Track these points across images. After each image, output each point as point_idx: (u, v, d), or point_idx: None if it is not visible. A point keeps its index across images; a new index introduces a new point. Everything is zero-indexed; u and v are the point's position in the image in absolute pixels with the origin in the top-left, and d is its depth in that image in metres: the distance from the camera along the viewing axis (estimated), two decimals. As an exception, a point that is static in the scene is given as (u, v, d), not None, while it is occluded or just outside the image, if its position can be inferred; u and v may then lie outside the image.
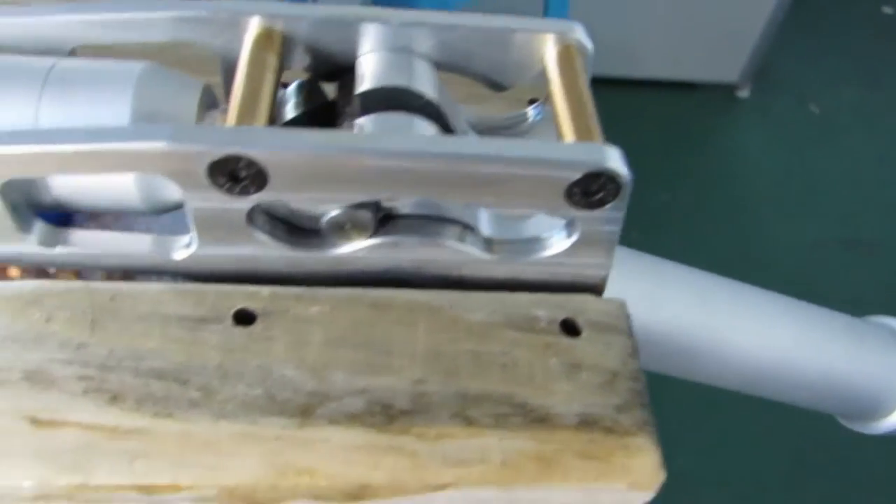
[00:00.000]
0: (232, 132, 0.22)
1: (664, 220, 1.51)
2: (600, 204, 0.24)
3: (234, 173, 0.22)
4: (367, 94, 0.26)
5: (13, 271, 0.62)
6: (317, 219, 0.25)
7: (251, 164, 0.22)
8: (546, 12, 1.16)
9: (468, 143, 0.24)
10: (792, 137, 1.77)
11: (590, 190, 0.24)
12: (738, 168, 1.67)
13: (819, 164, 1.70)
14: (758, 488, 1.19)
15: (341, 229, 0.24)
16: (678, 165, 1.58)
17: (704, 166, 1.61)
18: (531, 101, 0.33)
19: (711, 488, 1.15)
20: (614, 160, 0.23)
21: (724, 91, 1.80)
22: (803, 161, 1.71)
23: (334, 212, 0.24)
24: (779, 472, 1.19)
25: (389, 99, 0.25)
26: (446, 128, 0.26)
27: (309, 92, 0.27)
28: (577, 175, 0.23)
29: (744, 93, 1.82)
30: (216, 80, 0.28)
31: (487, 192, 0.24)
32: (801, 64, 1.91)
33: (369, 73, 0.26)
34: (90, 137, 0.22)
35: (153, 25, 0.27)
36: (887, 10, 2.07)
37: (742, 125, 1.78)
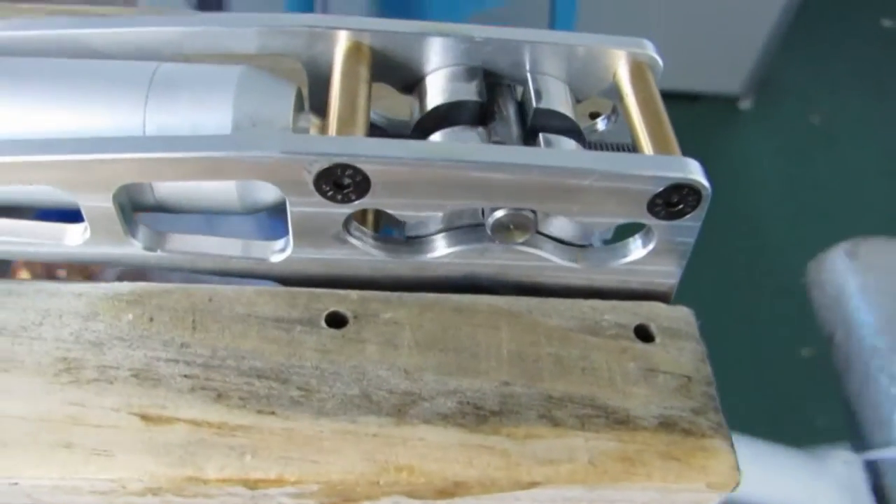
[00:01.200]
0: (340, 142, 0.24)
1: (668, 229, 1.52)
2: (680, 215, 0.25)
3: (338, 181, 0.24)
4: (542, 112, 0.27)
5: (23, 273, 0.62)
6: (410, 225, 0.26)
7: (357, 172, 0.23)
8: (553, 23, 1.17)
9: (561, 156, 0.25)
10: (794, 148, 1.79)
11: (671, 201, 0.25)
12: (741, 179, 1.69)
13: (822, 175, 1.72)
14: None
15: (506, 230, 0.26)
16: (681, 175, 1.59)
17: (706, 171, 1.63)
18: (592, 115, 0.34)
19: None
20: (696, 173, 0.25)
21: (726, 102, 1.82)
22: (806, 172, 1.73)
23: (499, 213, 0.25)
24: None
25: (557, 121, 0.27)
26: None
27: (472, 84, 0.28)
28: (661, 187, 0.24)
29: (746, 104, 1.84)
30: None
31: (575, 202, 0.25)
32: (803, 75, 1.93)
33: (545, 92, 0.28)
34: (204, 145, 0.23)
35: (244, 37, 0.28)
36: (886, 23, 2.10)
37: (744, 136, 1.80)
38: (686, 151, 0.26)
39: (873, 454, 0.47)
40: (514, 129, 0.27)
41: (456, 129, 0.27)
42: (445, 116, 0.27)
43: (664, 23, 1.65)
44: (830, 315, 0.50)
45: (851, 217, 1.65)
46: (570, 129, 0.28)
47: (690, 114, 1.75)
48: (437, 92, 0.28)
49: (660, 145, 0.26)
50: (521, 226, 0.25)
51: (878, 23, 2.12)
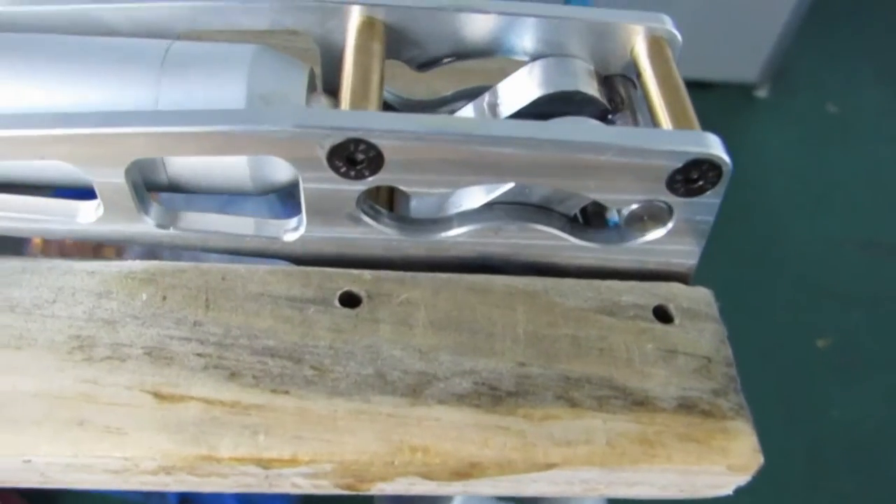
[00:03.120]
0: (354, 116, 0.23)
1: (682, 218, 1.51)
2: (700, 192, 0.25)
3: (351, 157, 0.23)
4: None
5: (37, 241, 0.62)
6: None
7: (370, 147, 0.23)
8: (567, 9, 1.17)
9: (576, 130, 0.24)
10: (810, 137, 1.77)
11: (691, 177, 0.24)
12: (756, 168, 1.68)
13: (837, 164, 1.70)
14: (774, 487, 1.20)
15: (640, 221, 0.26)
16: (696, 164, 1.58)
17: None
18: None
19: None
20: (717, 147, 0.24)
21: (742, 90, 1.80)
22: (821, 161, 1.71)
23: (634, 206, 0.25)
24: (795, 471, 1.20)
25: None
26: None
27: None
28: (681, 162, 0.24)
29: (762, 92, 1.82)
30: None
31: (592, 178, 0.24)
32: (820, 64, 1.91)
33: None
34: (217, 119, 0.22)
35: (257, 13, 0.27)
36: (906, 10, 2.07)
37: (760, 125, 1.78)
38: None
39: None
40: None
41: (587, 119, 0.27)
42: (574, 105, 0.27)
43: (680, 10, 1.63)
44: None
45: (868, 207, 1.63)
46: None
47: (706, 102, 1.73)
48: (563, 78, 0.28)
49: (679, 121, 0.26)
50: (656, 216, 0.26)
51: (896, 11, 2.09)
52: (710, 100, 1.81)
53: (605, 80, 0.29)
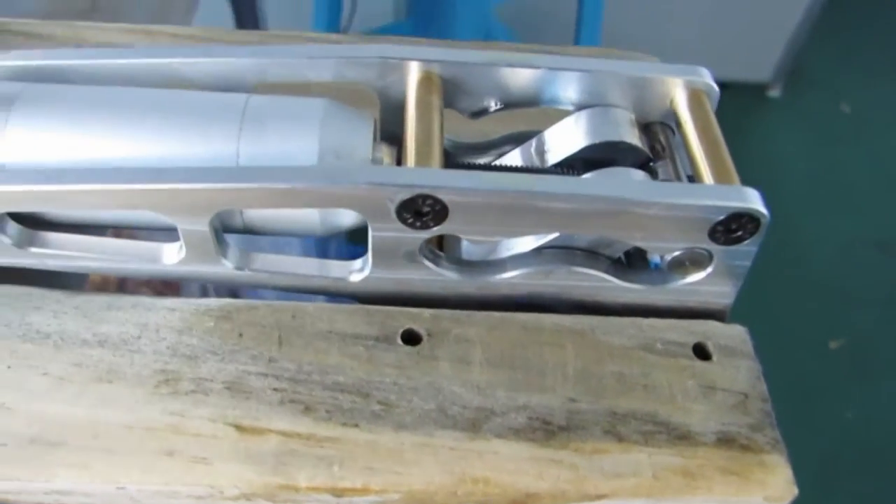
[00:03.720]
0: (422, 174, 0.25)
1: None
2: (739, 241, 0.27)
3: (418, 210, 0.25)
4: None
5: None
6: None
7: (436, 201, 0.25)
8: (580, 10, 1.18)
9: (626, 187, 0.26)
10: (823, 137, 1.78)
11: (731, 228, 0.26)
12: (769, 168, 1.68)
13: (851, 164, 1.71)
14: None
15: (682, 265, 0.28)
16: (708, 164, 1.59)
17: (735, 166, 1.62)
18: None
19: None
20: (756, 202, 0.26)
21: (754, 90, 1.81)
22: (835, 161, 1.71)
23: (676, 252, 0.27)
24: (809, 472, 1.21)
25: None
26: None
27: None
28: (722, 216, 0.26)
29: (775, 92, 1.83)
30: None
31: (639, 229, 0.26)
32: (833, 63, 1.91)
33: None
34: (297, 177, 0.24)
35: (322, 67, 0.29)
36: (920, 10, 2.06)
37: (773, 124, 1.79)
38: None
39: None
40: None
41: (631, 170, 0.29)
42: (618, 153, 0.29)
43: (693, 9, 1.64)
44: None
45: (880, 207, 1.64)
46: None
47: (719, 102, 1.74)
48: (608, 128, 0.29)
49: (719, 173, 0.28)
50: (696, 261, 0.28)
51: (910, 9, 2.08)
52: (723, 99, 1.81)
53: (646, 128, 0.31)
